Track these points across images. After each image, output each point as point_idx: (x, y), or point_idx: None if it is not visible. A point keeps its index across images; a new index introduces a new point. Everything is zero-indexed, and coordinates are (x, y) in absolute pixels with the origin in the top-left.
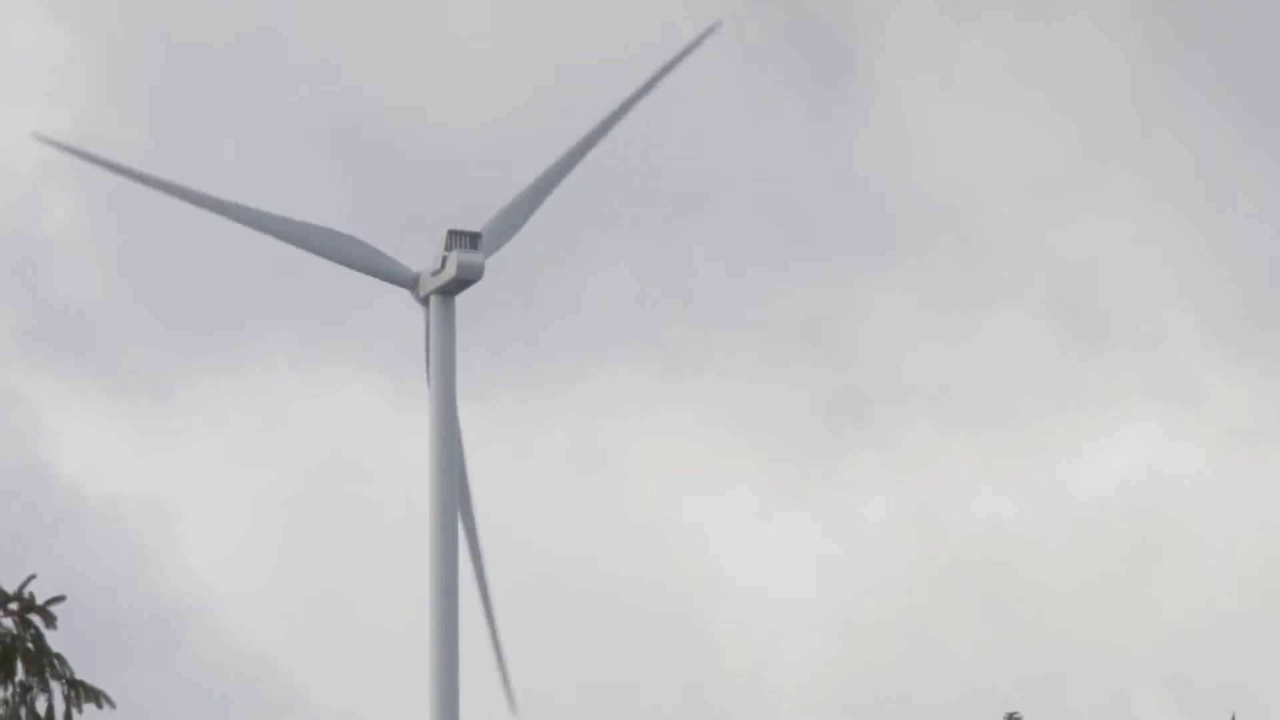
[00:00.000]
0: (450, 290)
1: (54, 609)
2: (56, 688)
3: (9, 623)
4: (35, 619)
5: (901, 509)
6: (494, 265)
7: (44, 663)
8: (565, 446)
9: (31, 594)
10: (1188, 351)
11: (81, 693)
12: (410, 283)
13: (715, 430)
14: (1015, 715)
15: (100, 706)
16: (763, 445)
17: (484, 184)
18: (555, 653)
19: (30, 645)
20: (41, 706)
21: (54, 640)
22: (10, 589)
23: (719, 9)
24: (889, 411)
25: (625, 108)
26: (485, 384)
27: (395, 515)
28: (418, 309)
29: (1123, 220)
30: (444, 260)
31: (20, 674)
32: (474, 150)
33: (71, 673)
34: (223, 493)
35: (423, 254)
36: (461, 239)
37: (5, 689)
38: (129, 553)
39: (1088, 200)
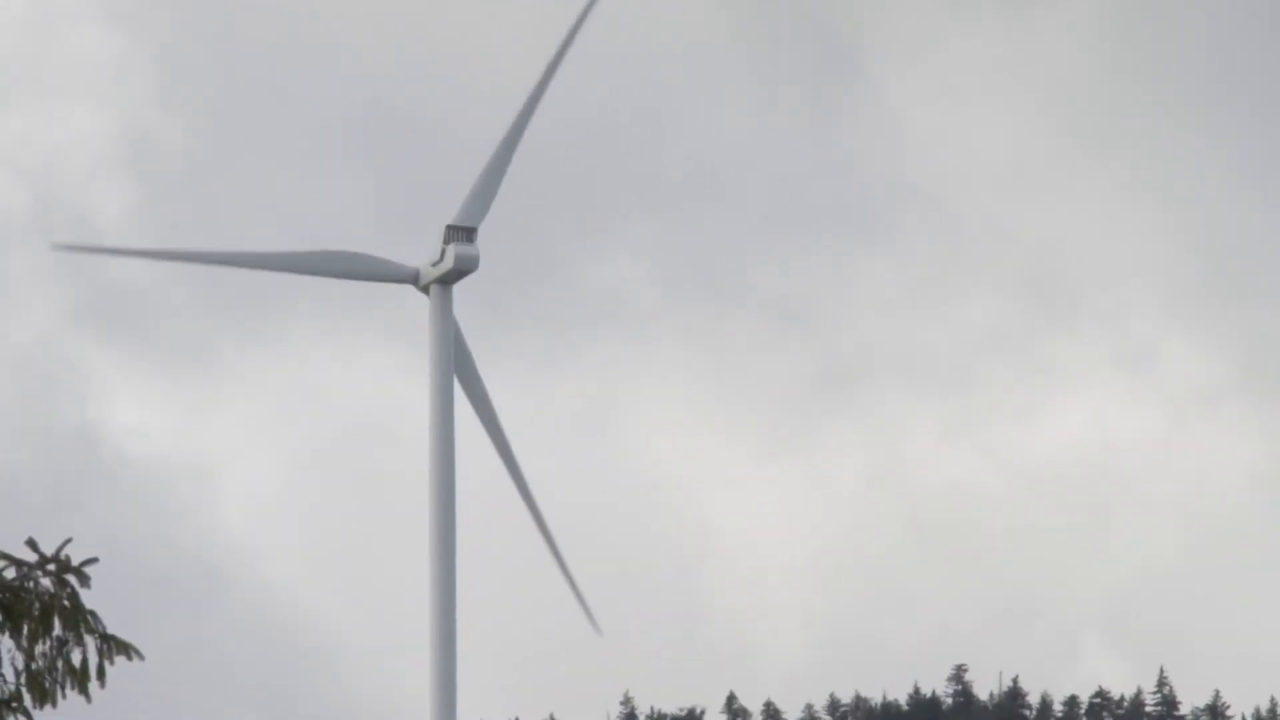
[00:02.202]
0: (449, 280)
1: (87, 569)
2: (90, 641)
3: (47, 582)
4: (71, 579)
5: (875, 468)
6: (518, 247)
7: (78, 619)
8: (571, 410)
9: (68, 556)
10: (1148, 324)
11: (113, 646)
12: (411, 278)
13: (709, 395)
14: (962, 667)
15: (130, 658)
16: (752, 409)
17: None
18: (558, 596)
19: (66, 603)
20: (76, 659)
21: (88, 598)
22: (48, 550)
23: (727, 12)
24: (867, 379)
25: (548, 75)
26: (500, 355)
27: (412, 474)
28: (421, 297)
29: (1093, 204)
30: (443, 252)
31: (57, 629)
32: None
33: (104, 628)
34: (256, 454)
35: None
36: (458, 233)
37: (44, 643)
38: (169, 508)
39: (1062, 186)
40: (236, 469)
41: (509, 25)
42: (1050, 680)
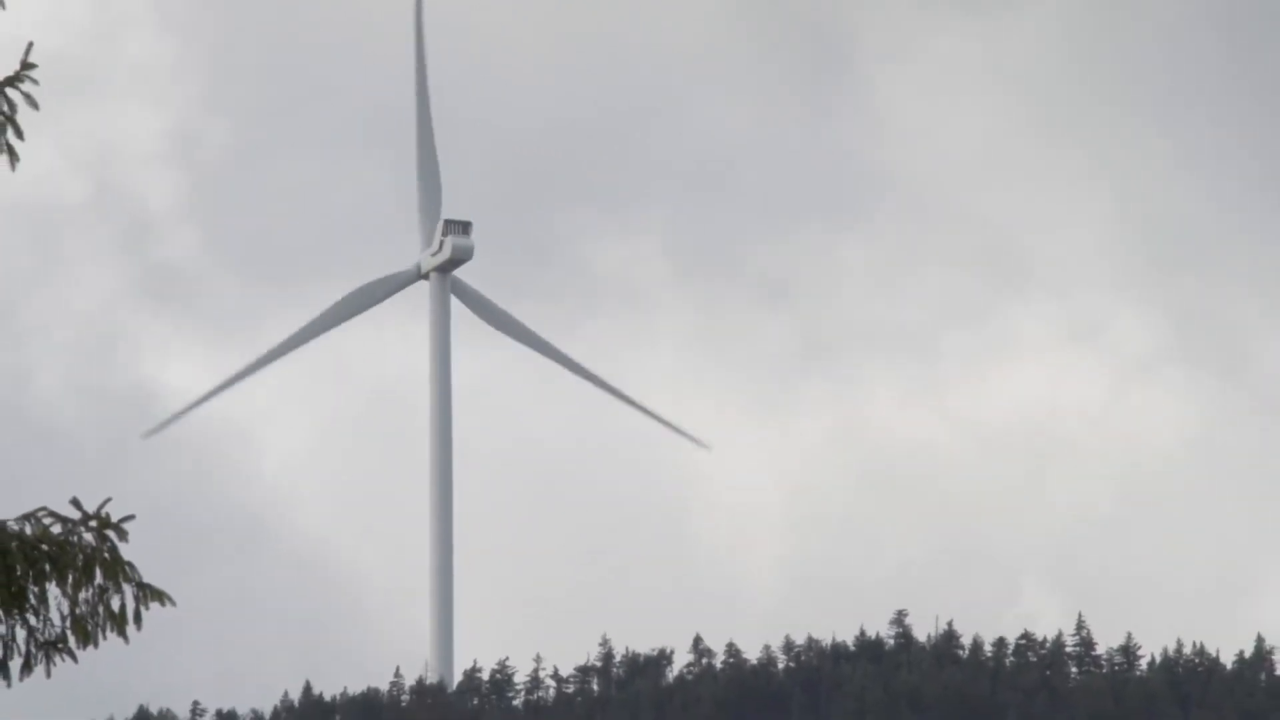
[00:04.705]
0: (446, 269)
1: (125, 525)
2: (128, 590)
3: (89, 537)
4: (110, 534)
5: (843, 427)
6: (529, 229)
7: (117, 569)
8: (575, 376)
9: (108, 513)
10: (1097, 299)
11: (148, 593)
12: (415, 274)
13: (700, 361)
14: (903, 611)
15: (163, 604)
16: (735, 374)
17: (501, 169)
18: (561, 543)
19: (106, 555)
20: (116, 605)
21: (130, 550)
22: (90, 509)
23: (731, 16)
24: (840, 348)
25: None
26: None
27: (425, 435)
28: (414, 287)
29: (1052, 190)
30: (441, 244)
31: (99, 579)
32: (502, 138)
33: (140, 577)
34: (292, 416)
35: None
36: (455, 226)
37: (86, 591)
38: (213, 463)
39: (1025, 174)
40: (274, 429)
41: (523, 27)
42: (993, 622)
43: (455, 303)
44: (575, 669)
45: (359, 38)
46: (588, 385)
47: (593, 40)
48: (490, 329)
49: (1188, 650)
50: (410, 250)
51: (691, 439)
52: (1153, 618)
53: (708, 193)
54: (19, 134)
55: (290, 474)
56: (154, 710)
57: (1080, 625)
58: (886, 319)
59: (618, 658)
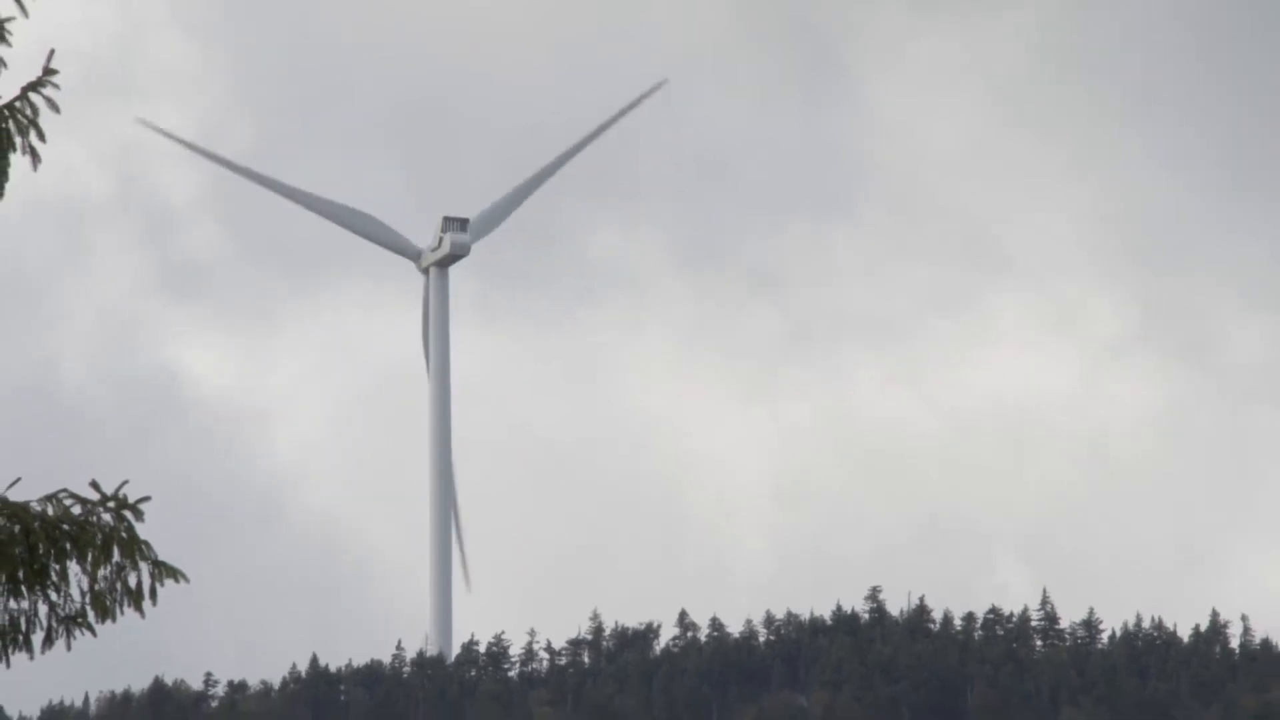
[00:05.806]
0: (445, 264)
1: (141, 506)
2: (144, 567)
3: (108, 517)
4: (127, 514)
5: (828, 409)
6: (540, 216)
7: (134, 548)
8: (574, 361)
9: (125, 494)
10: (1073, 289)
11: (163, 571)
12: (414, 256)
13: (695, 346)
14: (877, 588)
15: (177, 581)
16: (726, 359)
17: (500, 164)
18: (560, 519)
19: (124, 535)
20: (132, 582)
21: (148, 529)
22: (108, 490)
23: (730, 18)
24: (826, 334)
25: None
26: (517, 313)
27: (428, 419)
28: (419, 277)
29: (1035, 186)
30: (440, 240)
31: (116, 557)
32: (507, 136)
33: (155, 556)
34: (307, 399)
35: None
36: (453, 223)
37: (105, 569)
38: (232, 444)
39: (1009, 170)
40: (288, 410)
41: (523, 25)
42: (967, 596)
43: (454, 291)
44: (567, 642)
45: (375, 40)
46: (585, 370)
47: (592, 38)
48: (488, 324)
49: (1147, 624)
50: (402, 259)
51: (650, 92)
52: (1114, 593)
53: (703, 186)
54: (41, 136)
55: (301, 456)
56: (169, 681)
57: (1045, 600)
58: (871, 307)
59: (607, 631)
